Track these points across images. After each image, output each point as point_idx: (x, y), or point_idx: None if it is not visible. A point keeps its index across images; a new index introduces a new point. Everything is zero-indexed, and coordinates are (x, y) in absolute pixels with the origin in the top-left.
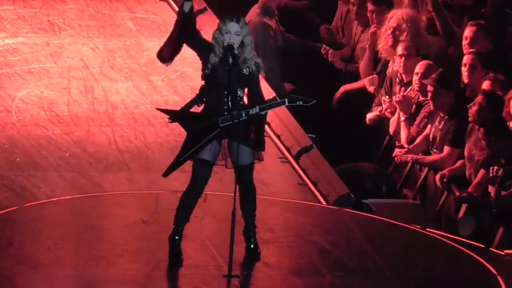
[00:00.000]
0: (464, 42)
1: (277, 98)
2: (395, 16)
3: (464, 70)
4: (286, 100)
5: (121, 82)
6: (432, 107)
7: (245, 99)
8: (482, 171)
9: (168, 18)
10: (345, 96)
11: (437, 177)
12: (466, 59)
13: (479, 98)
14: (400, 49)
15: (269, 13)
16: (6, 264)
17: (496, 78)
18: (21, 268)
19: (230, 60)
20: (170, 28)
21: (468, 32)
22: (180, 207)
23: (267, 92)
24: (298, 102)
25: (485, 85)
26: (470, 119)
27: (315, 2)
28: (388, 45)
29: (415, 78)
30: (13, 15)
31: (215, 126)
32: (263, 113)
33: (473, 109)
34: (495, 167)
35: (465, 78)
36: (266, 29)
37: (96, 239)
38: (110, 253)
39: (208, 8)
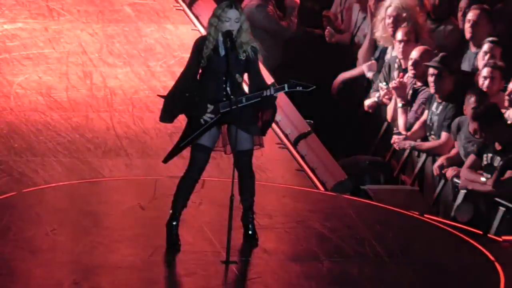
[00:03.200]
0: (467, 25)
1: (276, 84)
2: (393, 4)
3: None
4: (286, 85)
5: (119, 67)
6: (432, 90)
7: (245, 87)
8: (472, 157)
9: (167, 4)
10: (343, 83)
11: (435, 166)
12: (485, 71)
13: (471, 100)
14: (399, 35)
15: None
16: (4, 250)
17: (496, 65)
18: (19, 253)
19: (228, 45)
20: (169, 13)
21: (471, 15)
22: (178, 193)
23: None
24: (297, 88)
25: (485, 72)
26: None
27: None
28: (389, 34)
29: (410, 63)
30: (12, 1)
31: (215, 112)
32: (274, 94)
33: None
34: (489, 155)
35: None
36: (262, 9)
37: (94, 224)
38: (108, 239)
39: None
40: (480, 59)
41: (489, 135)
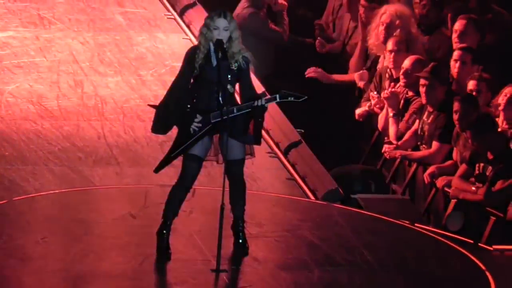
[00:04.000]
0: (454, 36)
1: (266, 94)
2: (388, 11)
3: (455, 66)
4: (277, 96)
5: (110, 76)
6: (424, 101)
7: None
8: (464, 166)
9: (158, 12)
10: (334, 89)
11: (426, 174)
12: (456, 54)
13: (455, 105)
14: (390, 45)
15: (258, 5)
16: None
17: (481, 77)
18: (10, 261)
19: (220, 55)
20: (160, 22)
21: (458, 25)
22: (169, 202)
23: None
24: (289, 98)
25: (471, 85)
26: (456, 126)
27: None
28: (380, 41)
29: (401, 73)
30: (3, 9)
31: (206, 122)
32: (266, 104)
33: (454, 116)
34: (481, 164)
35: (454, 74)
36: (255, 17)
37: (85, 233)
38: (99, 247)
39: (197, 3)
40: (452, 67)
41: (482, 145)
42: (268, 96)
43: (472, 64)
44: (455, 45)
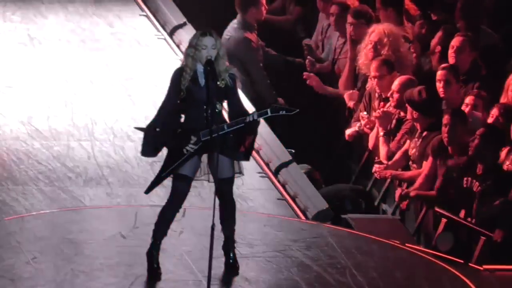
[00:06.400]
0: (450, 51)
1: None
2: (376, 30)
3: (439, 86)
4: (269, 110)
5: (100, 97)
6: (414, 123)
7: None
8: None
9: (148, 33)
10: (324, 109)
11: (397, 194)
12: (439, 74)
13: (445, 119)
14: (372, 70)
15: (249, 28)
16: None
17: (479, 95)
18: (0, 281)
19: (209, 74)
20: (151, 42)
21: (455, 41)
22: (159, 222)
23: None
24: (280, 112)
25: (468, 100)
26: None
27: (298, 16)
28: (369, 59)
29: (389, 94)
30: None
31: (196, 140)
32: (258, 119)
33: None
34: (469, 179)
35: (440, 93)
36: (248, 44)
37: (76, 253)
38: (89, 267)
39: (187, 23)
40: (438, 88)
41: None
42: (259, 111)
43: (457, 83)
44: (451, 61)
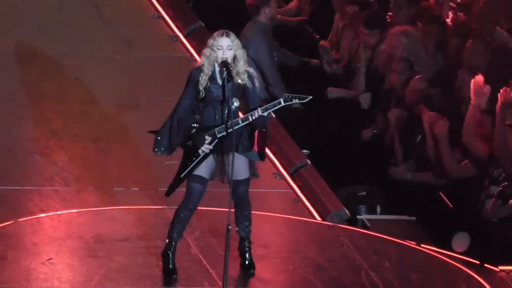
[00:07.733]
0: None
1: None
2: (394, 32)
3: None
4: (282, 100)
5: (122, 106)
6: None
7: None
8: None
9: (163, 34)
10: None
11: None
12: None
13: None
14: (393, 65)
15: (264, 30)
16: (0, 278)
17: None
18: (15, 282)
19: (225, 75)
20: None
21: (468, 43)
22: (174, 223)
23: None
24: (294, 100)
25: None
26: None
27: (313, 17)
28: (385, 61)
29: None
30: None
31: (213, 138)
32: (265, 114)
33: None
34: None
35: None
36: (262, 45)
37: (91, 254)
38: (104, 269)
39: (202, 24)
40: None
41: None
42: (272, 102)
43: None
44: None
